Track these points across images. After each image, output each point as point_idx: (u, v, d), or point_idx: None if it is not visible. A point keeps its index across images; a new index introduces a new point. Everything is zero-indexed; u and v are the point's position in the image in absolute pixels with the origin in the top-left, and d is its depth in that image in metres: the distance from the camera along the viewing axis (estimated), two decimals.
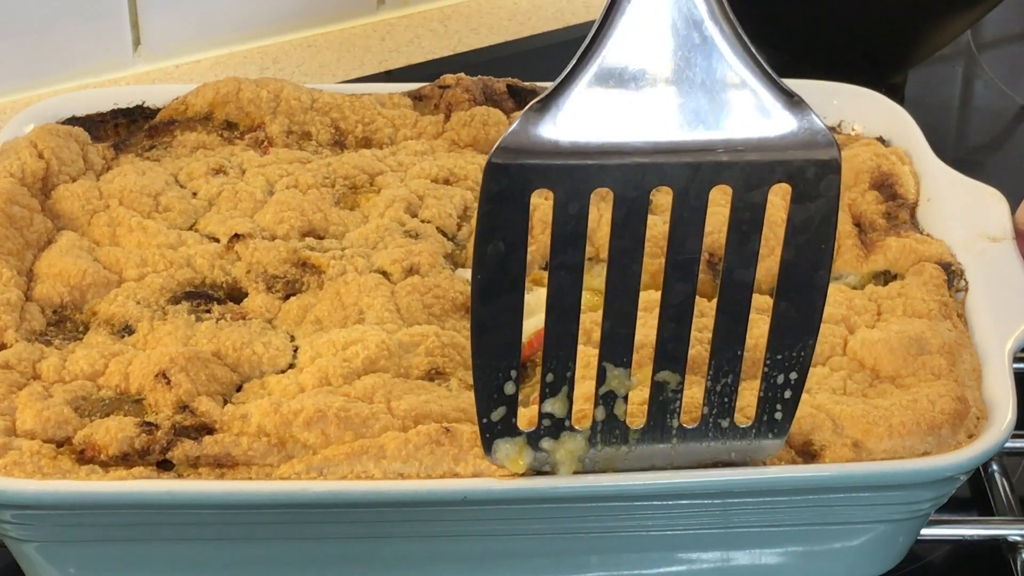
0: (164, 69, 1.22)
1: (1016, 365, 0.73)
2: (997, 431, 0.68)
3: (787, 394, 0.64)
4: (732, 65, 0.58)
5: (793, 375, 0.63)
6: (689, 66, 0.57)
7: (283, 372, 0.73)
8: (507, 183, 0.56)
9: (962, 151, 1.15)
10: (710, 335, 0.62)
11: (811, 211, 0.59)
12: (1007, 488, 0.79)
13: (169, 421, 0.69)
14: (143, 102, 0.91)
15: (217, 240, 0.80)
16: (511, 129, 0.56)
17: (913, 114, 0.87)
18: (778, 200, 0.76)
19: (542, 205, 0.82)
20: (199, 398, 0.70)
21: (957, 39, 1.21)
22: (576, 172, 0.57)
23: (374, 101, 0.91)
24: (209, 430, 0.68)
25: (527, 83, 0.93)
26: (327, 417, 0.68)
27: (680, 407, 0.64)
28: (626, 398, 0.64)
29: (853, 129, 0.91)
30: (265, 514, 0.67)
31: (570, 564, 0.71)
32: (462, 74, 0.92)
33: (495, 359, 0.61)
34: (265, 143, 0.89)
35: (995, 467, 0.80)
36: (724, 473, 0.66)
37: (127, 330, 0.75)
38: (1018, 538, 0.76)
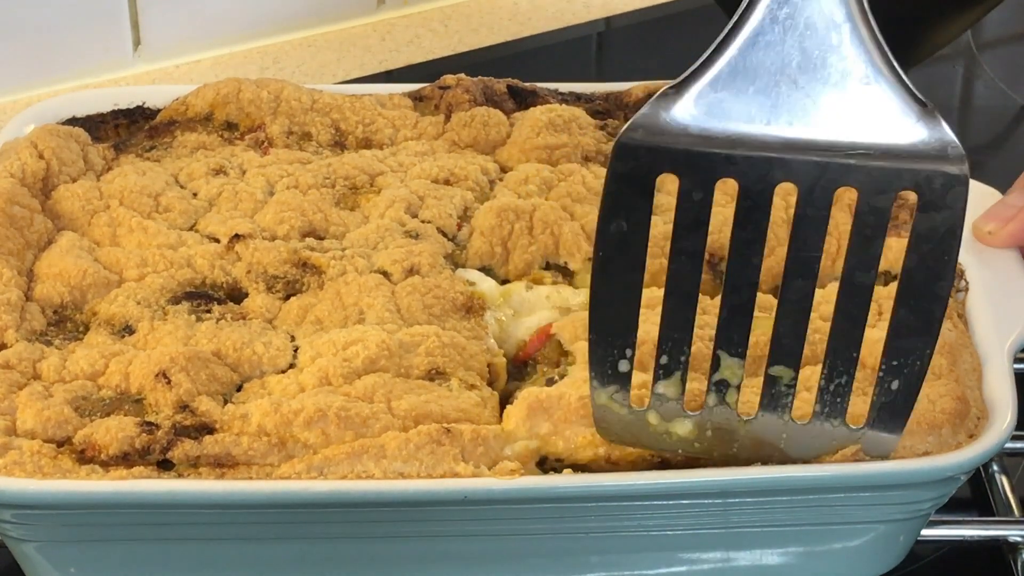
0: (164, 69, 1.22)
1: (1016, 365, 0.73)
2: (997, 431, 0.68)
3: (901, 399, 0.64)
4: (867, 69, 0.58)
5: (909, 380, 0.63)
6: (824, 66, 0.57)
7: (283, 372, 0.73)
8: (634, 164, 0.57)
9: None
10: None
11: (936, 221, 0.59)
12: (1007, 488, 0.79)
13: (169, 421, 0.69)
14: (143, 102, 0.91)
15: (217, 240, 0.80)
16: (642, 111, 0.57)
17: None
18: (779, 201, 0.76)
19: (542, 206, 0.82)
20: (199, 398, 0.70)
21: (957, 39, 1.21)
22: (703, 160, 0.57)
23: (374, 102, 0.91)
24: (209, 430, 0.68)
25: (527, 83, 0.93)
26: (327, 417, 0.68)
27: (792, 402, 0.64)
28: (739, 387, 0.64)
29: None
30: (265, 514, 0.67)
31: (570, 564, 0.71)
32: (462, 75, 0.92)
33: (611, 336, 0.62)
34: (265, 143, 0.89)
35: (995, 467, 0.80)
36: (724, 473, 0.66)
37: (127, 330, 0.75)
38: (1018, 538, 0.76)
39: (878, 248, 0.60)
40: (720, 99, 0.57)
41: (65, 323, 0.76)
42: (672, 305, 0.61)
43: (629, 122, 0.57)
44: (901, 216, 0.83)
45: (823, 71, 0.58)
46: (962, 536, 0.76)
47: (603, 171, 0.86)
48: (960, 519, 0.77)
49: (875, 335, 0.64)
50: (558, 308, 0.78)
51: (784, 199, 0.61)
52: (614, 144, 0.57)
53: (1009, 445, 0.76)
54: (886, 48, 0.58)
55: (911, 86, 0.58)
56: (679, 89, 0.57)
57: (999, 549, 0.76)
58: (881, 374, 0.63)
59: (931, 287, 0.61)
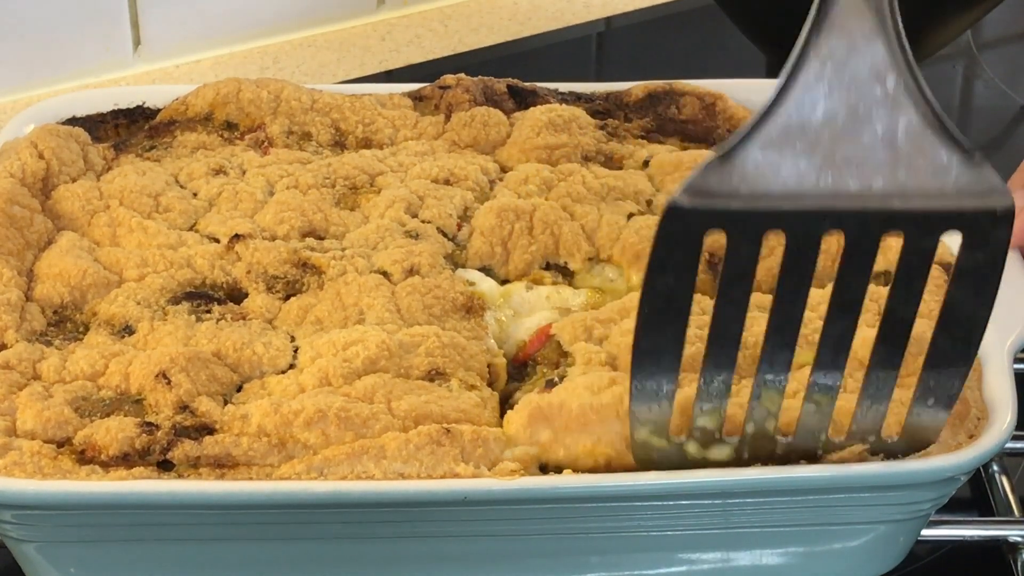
0: (164, 69, 1.22)
1: (1016, 365, 0.73)
2: (997, 432, 0.68)
3: (938, 414, 0.66)
4: (913, 118, 0.58)
5: (944, 399, 0.65)
6: (870, 119, 0.58)
7: (283, 372, 0.73)
8: (682, 226, 0.58)
9: None
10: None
11: (979, 259, 0.60)
12: (1007, 488, 0.79)
13: (169, 421, 0.69)
14: (143, 102, 0.91)
15: (217, 240, 0.80)
16: (693, 175, 0.58)
17: None
18: None
19: (542, 206, 0.82)
20: (199, 398, 0.70)
21: (957, 39, 1.21)
22: (751, 218, 0.58)
23: (374, 102, 0.91)
24: (209, 430, 0.68)
25: (527, 83, 0.93)
26: (327, 417, 0.68)
27: (828, 424, 0.66)
28: (777, 415, 0.65)
29: None
30: (265, 514, 0.67)
31: (570, 564, 0.71)
32: (462, 75, 0.92)
33: (655, 383, 0.64)
34: (265, 143, 0.89)
35: (996, 467, 0.80)
36: (724, 473, 0.66)
37: (127, 330, 0.75)
38: (1019, 539, 0.76)
39: (921, 286, 0.61)
40: (769, 160, 0.58)
41: (65, 323, 0.76)
42: (716, 347, 0.63)
43: (681, 185, 0.58)
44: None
45: (869, 124, 0.58)
46: (962, 536, 0.76)
47: (603, 171, 0.86)
48: (960, 519, 0.77)
49: (869, 334, 0.64)
50: (558, 309, 0.78)
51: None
52: (664, 206, 0.58)
53: (1009, 445, 0.76)
54: (929, 94, 0.59)
55: (955, 132, 0.59)
56: (730, 154, 0.58)
57: (999, 549, 0.76)
58: (918, 394, 0.65)
59: (971, 315, 0.62)
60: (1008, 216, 0.59)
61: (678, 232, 0.59)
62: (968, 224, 0.59)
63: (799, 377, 0.67)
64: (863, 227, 0.59)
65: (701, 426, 0.66)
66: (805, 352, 0.65)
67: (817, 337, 0.63)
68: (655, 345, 0.62)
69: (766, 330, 0.62)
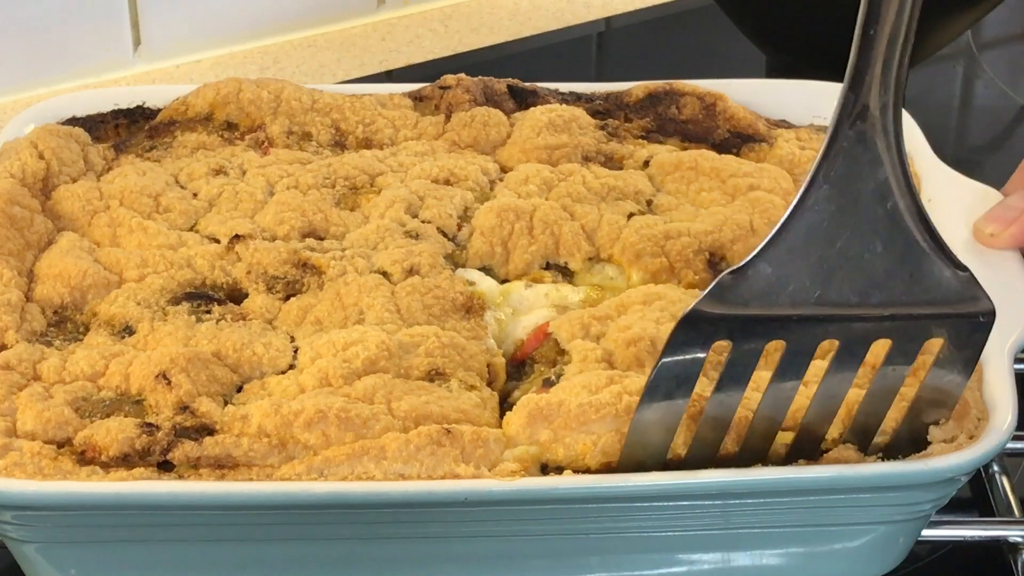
0: (164, 69, 1.22)
1: (1017, 366, 0.73)
2: (998, 432, 0.68)
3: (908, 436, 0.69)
4: (912, 236, 0.64)
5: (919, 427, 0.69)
6: (873, 238, 0.64)
7: (283, 373, 0.73)
8: (694, 335, 0.64)
9: (962, 151, 1.15)
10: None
11: (956, 357, 0.66)
12: (1008, 489, 0.79)
13: (170, 422, 0.69)
14: (143, 102, 0.91)
15: (217, 241, 0.80)
16: (707, 292, 0.63)
17: (913, 114, 0.87)
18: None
19: (542, 206, 0.82)
20: (199, 399, 0.70)
21: (957, 39, 1.21)
22: (759, 326, 0.64)
23: (375, 102, 0.91)
24: (210, 431, 0.68)
25: (527, 83, 0.93)
26: (328, 418, 0.68)
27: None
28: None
29: None
30: (266, 515, 0.67)
31: (570, 565, 0.71)
32: (462, 75, 0.92)
33: (641, 461, 0.67)
34: (265, 144, 0.89)
35: (996, 468, 0.80)
36: (724, 474, 0.66)
37: (127, 331, 0.75)
38: (1019, 539, 0.76)
39: (903, 373, 0.66)
40: (777, 276, 0.63)
41: (65, 324, 0.76)
42: (709, 426, 0.66)
43: (695, 302, 0.63)
44: None
45: (872, 242, 0.63)
46: (962, 536, 0.76)
47: (603, 171, 0.86)
48: (960, 519, 0.77)
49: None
50: (556, 306, 0.78)
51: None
52: (680, 319, 0.63)
53: (1009, 446, 0.76)
54: (926, 214, 0.64)
55: (950, 252, 0.64)
56: (742, 271, 0.63)
57: (999, 549, 0.76)
58: (891, 437, 0.68)
59: (947, 391, 0.67)
60: (988, 324, 0.65)
61: (687, 341, 0.64)
62: (951, 329, 0.65)
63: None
64: (857, 335, 0.64)
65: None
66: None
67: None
68: (646, 430, 0.66)
69: (750, 426, 0.67)
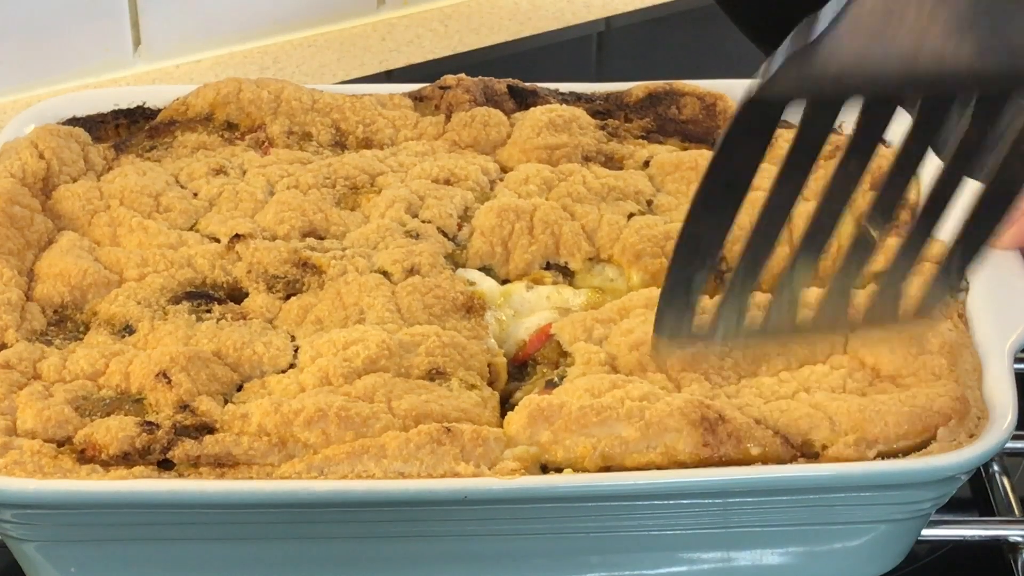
0: (164, 69, 1.22)
1: (1016, 365, 0.73)
2: (998, 431, 0.68)
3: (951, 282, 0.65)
4: None
5: (961, 269, 0.65)
6: None
7: (284, 372, 0.73)
8: (759, 110, 0.59)
9: None
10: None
11: None
12: (1008, 488, 0.79)
13: (170, 421, 0.69)
14: (144, 103, 0.91)
15: (218, 240, 0.80)
16: (777, 58, 0.59)
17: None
18: None
19: (542, 206, 0.82)
20: (200, 398, 0.70)
21: None
22: (835, 84, 0.59)
23: (375, 102, 0.91)
24: (210, 429, 0.68)
25: (527, 83, 0.93)
26: (328, 416, 0.68)
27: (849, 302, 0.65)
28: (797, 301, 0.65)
29: None
30: (266, 513, 0.67)
31: (570, 564, 0.71)
32: (463, 75, 0.92)
33: (691, 267, 0.63)
34: (266, 144, 0.89)
35: (996, 467, 0.80)
36: (724, 473, 0.66)
37: (128, 330, 0.75)
38: (1019, 538, 0.76)
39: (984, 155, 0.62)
40: (855, 47, 0.59)
41: (65, 323, 0.76)
42: (764, 222, 0.63)
43: (762, 68, 0.58)
44: (902, 216, 0.83)
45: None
46: (962, 536, 0.76)
47: (604, 171, 0.86)
48: (960, 519, 0.77)
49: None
50: (558, 308, 0.78)
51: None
52: (744, 92, 0.59)
53: (1009, 445, 0.76)
54: None
55: None
56: (814, 44, 0.59)
57: (999, 549, 0.76)
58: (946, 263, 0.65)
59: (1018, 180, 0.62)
60: None
61: (755, 118, 0.59)
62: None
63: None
64: (945, 91, 0.59)
65: (724, 323, 0.65)
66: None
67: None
68: (699, 228, 0.62)
69: (818, 203, 0.62)
